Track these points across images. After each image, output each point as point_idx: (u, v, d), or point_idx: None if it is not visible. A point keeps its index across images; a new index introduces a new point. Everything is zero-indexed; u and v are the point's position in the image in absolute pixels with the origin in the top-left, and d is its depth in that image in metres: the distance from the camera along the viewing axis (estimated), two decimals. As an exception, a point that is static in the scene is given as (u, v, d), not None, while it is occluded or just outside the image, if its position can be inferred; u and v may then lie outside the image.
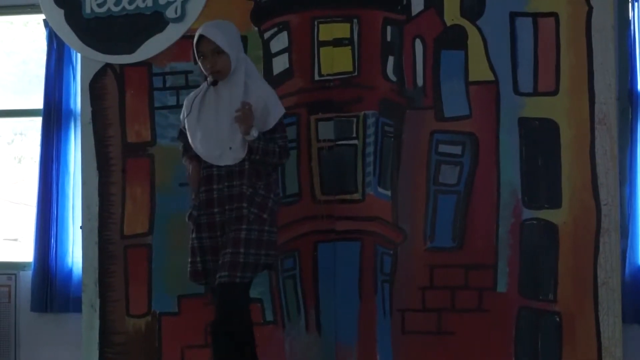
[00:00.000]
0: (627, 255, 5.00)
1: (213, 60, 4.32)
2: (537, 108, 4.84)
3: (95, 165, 5.16)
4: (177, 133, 4.57)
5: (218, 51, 4.31)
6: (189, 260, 4.34)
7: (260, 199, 4.30)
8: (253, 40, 5.11)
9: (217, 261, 4.27)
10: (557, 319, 4.76)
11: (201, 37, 4.31)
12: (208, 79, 4.33)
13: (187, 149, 4.43)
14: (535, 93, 4.85)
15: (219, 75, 4.34)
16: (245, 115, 4.24)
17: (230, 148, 4.30)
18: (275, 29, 5.10)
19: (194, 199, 4.37)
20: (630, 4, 5.08)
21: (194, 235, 4.33)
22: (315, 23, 5.05)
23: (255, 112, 4.26)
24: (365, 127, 4.97)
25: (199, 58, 4.32)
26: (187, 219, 4.35)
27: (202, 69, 4.33)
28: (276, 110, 4.39)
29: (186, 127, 4.40)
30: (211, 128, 4.31)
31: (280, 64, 5.09)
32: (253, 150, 4.27)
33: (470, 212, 4.88)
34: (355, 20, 5.01)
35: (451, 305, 4.87)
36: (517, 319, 4.79)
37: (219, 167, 4.31)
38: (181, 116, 4.47)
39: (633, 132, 5.05)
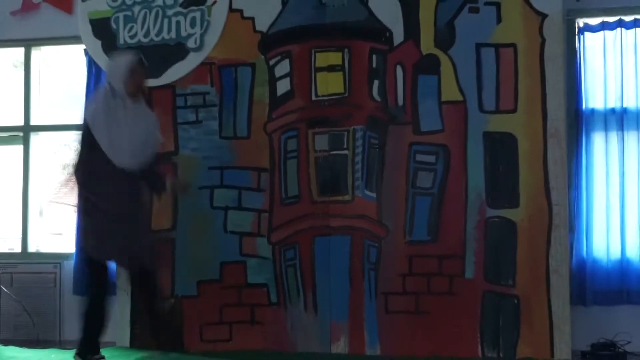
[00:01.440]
0: (574, 247, 5.12)
1: (141, 79, 4.59)
2: (499, 124, 5.01)
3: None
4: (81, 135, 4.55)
5: (145, 75, 4.60)
6: (93, 246, 4.52)
7: None
8: (260, 66, 5.31)
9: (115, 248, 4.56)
10: (516, 301, 4.92)
11: (141, 60, 4.60)
12: (118, 93, 4.49)
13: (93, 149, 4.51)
14: (497, 111, 5.02)
15: (139, 93, 4.61)
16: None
17: (137, 156, 4.55)
18: (279, 57, 5.29)
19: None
20: (576, 37, 5.27)
21: (105, 227, 4.50)
22: (313, 52, 5.24)
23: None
24: (354, 139, 5.15)
25: (130, 74, 4.50)
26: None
27: (130, 84, 4.50)
28: None
29: (101, 132, 4.49)
30: (124, 136, 4.52)
31: (283, 86, 5.27)
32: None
33: (443, 211, 5.04)
34: (346, 50, 5.20)
35: (427, 289, 5.03)
36: (482, 300, 4.96)
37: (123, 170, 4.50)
38: (92, 120, 4.51)
39: (579, 144, 5.19)
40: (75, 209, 4.62)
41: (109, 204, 4.52)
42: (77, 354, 4.67)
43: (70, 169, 4.61)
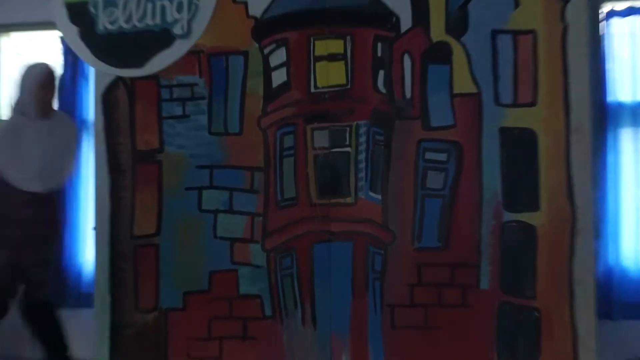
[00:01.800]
0: (600, 255, 5.04)
1: (51, 94, 4.36)
2: (516, 118, 4.82)
3: (107, 170, 5.13)
4: None
5: (55, 88, 4.38)
6: None
7: None
8: (254, 56, 5.11)
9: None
10: (536, 314, 4.73)
11: (51, 72, 4.33)
12: (27, 112, 4.31)
13: None
14: (515, 104, 4.83)
15: (49, 110, 4.38)
16: None
17: (44, 178, 4.37)
18: (275, 45, 5.10)
19: None
20: (602, 23, 5.18)
21: None
22: (312, 40, 5.05)
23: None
24: (357, 136, 4.98)
25: (35, 89, 4.40)
26: None
27: (35, 100, 4.35)
28: None
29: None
30: (32, 157, 4.31)
31: (278, 77, 5.09)
32: None
33: (455, 214, 4.85)
34: (348, 37, 5.01)
35: (437, 301, 4.85)
36: (499, 314, 4.77)
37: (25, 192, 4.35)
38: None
39: (605, 140, 5.10)
40: None
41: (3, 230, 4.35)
42: None
43: None
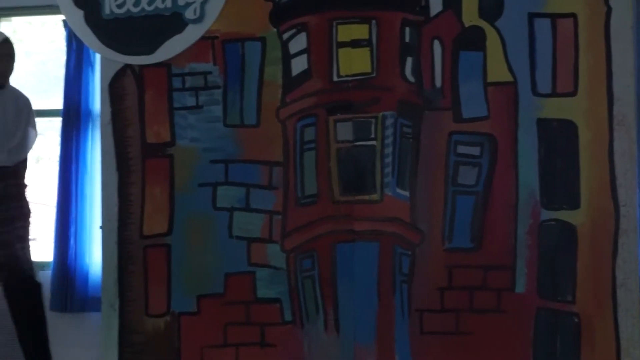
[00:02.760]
0: None
1: (9, 63, 4.28)
2: (555, 109, 4.73)
3: (114, 165, 5.04)
4: None
5: (11, 57, 4.28)
6: None
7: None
8: (271, 41, 5.01)
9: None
10: (576, 320, 4.64)
11: (4, 39, 4.26)
12: None
13: None
14: (554, 94, 4.73)
15: (5, 80, 4.30)
16: None
17: (8, 150, 4.29)
18: (294, 30, 4.99)
19: None
20: None
21: None
22: (334, 24, 4.94)
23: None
24: (383, 128, 4.87)
25: None
26: None
27: None
28: None
29: None
30: None
31: (299, 65, 4.98)
32: None
33: (489, 213, 4.76)
34: (373, 22, 4.90)
35: (469, 306, 4.76)
36: (536, 319, 4.68)
37: None
38: None
39: None
40: None
41: None
42: None
43: None
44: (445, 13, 4.84)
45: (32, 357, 4.38)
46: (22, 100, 4.37)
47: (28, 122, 4.35)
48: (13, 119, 4.24)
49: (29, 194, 4.52)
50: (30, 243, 4.54)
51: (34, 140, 4.41)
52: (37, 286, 4.61)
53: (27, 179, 4.48)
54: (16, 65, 6.06)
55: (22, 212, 4.35)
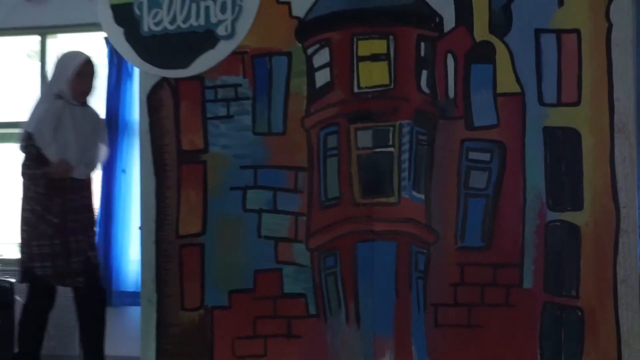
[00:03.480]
0: None
1: (92, 82, 4.39)
2: (560, 118, 4.81)
3: (152, 171, 5.16)
4: (24, 145, 4.40)
5: (95, 76, 4.40)
6: (52, 263, 4.36)
7: None
8: (297, 56, 5.14)
9: (69, 264, 4.30)
10: (579, 314, 4.72)
11: (88, 60, 4.35)
12: (65, 97, 4.32)
13: (38, 160, 4.38)
14: (559, 103, 4.82)
15: (88, 97, 4.42)
16: None
17: (86, 164, 4.37)
18: (318, 45, 5.11)
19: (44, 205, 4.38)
20: None
21: (56, 241, 4.38)
22: (355, 39, 5.05)
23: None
24: (400, 135, 4.97)
25: (75, 77, 4.35)
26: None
27: (74, 87, 4.36)
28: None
29: (46, 140, 4.35)
30: (73, 143, 4.33)
31: (322, 77, 5.10)
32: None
33: (498, 214, 4.86)
34: (391, 37, 5.01)
35: (480, 301, 4.85)
36: (542, 313, 4.77)
37: (72, 178, 4.33)
38: (35, 129, 4.38)
39: None
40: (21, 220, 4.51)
41: (58, 216, 4.41)
42: None
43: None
44: (458, 29, 4.96)
45: (90, 354, 4.45)
46: (97, 118, 4.43)
47: (102, 138, 4.41)
48: (90, 135, 4.29)
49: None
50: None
51: (105, 156, 4.47)
52: (104, 292, 4.64)
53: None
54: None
55: (92, 222, 4.44)
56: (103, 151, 4.49)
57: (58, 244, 4.27)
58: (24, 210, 4.34)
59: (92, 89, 4.41)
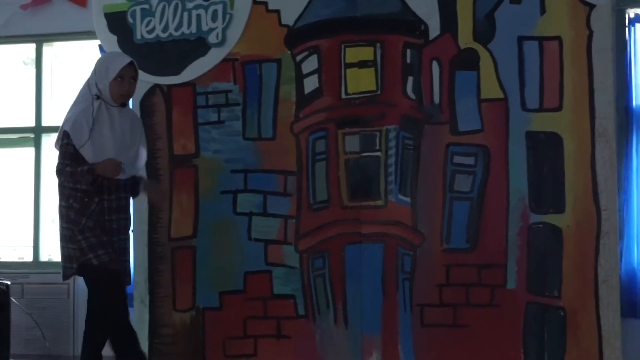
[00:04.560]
0: (624, 256, 5.02)
1: (132, 85, 4.44)
2: (542, 123, 4.89)
3: (145, 175, 5.11)
4: (62, 144, 4.37)
5: (135, 79, 4.45)
6: (103, 251, 4.32)
7: None
8: (286, 63, 5.22)
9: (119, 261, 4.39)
10: (562, 313, 4.80)
11: (129, 62, 4.40)
12: (104, 98, 4.35)
13: (75, 159, 4.34)
14: (541, 109, 4.91)
15: (127, 100, 4.48)
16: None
17: (124, 165, 4.41)
18: (307, 53, 5.19)
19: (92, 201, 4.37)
20: (627, 28, 5.16)
21: (103, 238, 4.35)
22: (342, 47, 5.14)
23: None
24: (387, 140, 5.06)
25: (114, 79, 4.35)
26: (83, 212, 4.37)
27: (113, 89, 4.34)
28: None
29: (87, 141, 4.31)
30: (110, 144, 4.36)
31: (311, 83, 5.18)
32: None
33: (483, 216, 4.93)
34: (378, 44, 5.10)
35: (465, 301, 4.93)
36: (525, 313, 4.84)
37: (116, 179, 4.39)
38: (72, 128, 4.34)
39: (629, 144, 5.11)
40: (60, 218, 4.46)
41: (95, 215, 4.39)
42: None
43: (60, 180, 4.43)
44: (443, 37, 5.05)
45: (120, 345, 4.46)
46: (136, 121, 4.41)
47: (141, 141, 4.41)
48: (128, 136, 4.28)
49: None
50: None
51: (145, 159, 4.47)
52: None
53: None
54: (58, 84, 6.25)
55: (128, 224, 4.46)
56: (143, 154, 4.50)
57: (105, 239, 4.30)
58: (61, 207, 4.36)
59: (131, 92, 4.42)
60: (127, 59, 4.45)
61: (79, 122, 4.36)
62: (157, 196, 4.49)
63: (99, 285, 4.40)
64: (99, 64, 4.52)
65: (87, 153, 4.34)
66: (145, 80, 5.35)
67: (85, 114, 4.38)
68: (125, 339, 4.50)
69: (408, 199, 5.04)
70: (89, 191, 4.34)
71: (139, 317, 5.31)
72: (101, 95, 4.41)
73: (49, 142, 6.02)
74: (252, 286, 5.20)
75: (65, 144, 4.36)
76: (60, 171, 4.37)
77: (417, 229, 5.02)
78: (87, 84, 4.47)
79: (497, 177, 4.95)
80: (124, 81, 4.41)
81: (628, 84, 5.15)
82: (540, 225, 4.88)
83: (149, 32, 5.42)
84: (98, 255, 4.33)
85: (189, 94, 5.35)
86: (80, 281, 5.49)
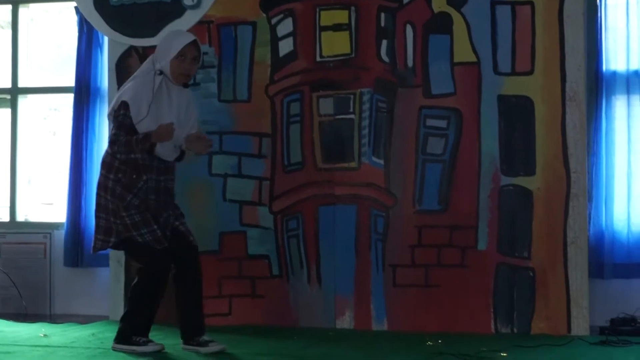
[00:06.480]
0: (592, 217, 5.07)
1: (193, 65, 4.39)
2: (514, 86, 4.93)
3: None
4: (119, 114, 4.27)
5: (197, 59, 4.42)
6: (147, 229, 4.25)
7: None
8: (262, 26, 5.22)
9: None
10: (531, 274, 4.86)
11: (193, 42, 4.38)
12: (166, 74, 4.24)
13: (130, 132, 4.27)
14: (513, 73, 4.94)
15: (188, 79, 4.45)
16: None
17: (175, 146, 4.39)
18: (282, 15, 5.20)
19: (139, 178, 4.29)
20: None
21: (147, 215, 4.29)
22: (317, 10, 5.15)
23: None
24: (361, 103, 5.09)
25: (177, 57, 4.25)
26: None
27: (174, 67, 4.26)
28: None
29: (145, 117, 4.24)
30: (166, 122, 4.30)
31: (285, 46, 5.19)
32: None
33: (454, 179, 4.98)
34: (353, 8, 5.12)
35: (437, 262, 4.98)
36: (496, 273, 4.90)
37: (164, 160, 4.35)
38: (131, 99, 4.26)
39: (599, 108, 5.13)
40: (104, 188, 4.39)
41: (141, 193, 4.35)
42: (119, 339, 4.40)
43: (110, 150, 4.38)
44: (417, 0, 5.05)
45: (187, 313, 4.44)
46: (193, 103, 4.35)
47: (193, 125, 4.38)
48: (183, 118, 4.20)
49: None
50: None
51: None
52: (201, 274, 4.55)
53: None
54: (35, 47, 6.19)
55: (173, 204, 4.38)
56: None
57: (149, 216, 4.27)
58: (107, 179, 4.28)
59: (192, 72, 4.35)
60: (190, 37, 4.36)
61: (139, 96, 4.27)
62: (203, 147, 4.42)
63: (143, 261, 4.41)
64: (163, 40, 4.45)
65: (143, 127, 4.28)
66: (121, 41, 5.36)
67: (146, 89, 4.29)
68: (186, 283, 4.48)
69: (381, 161, 5.08)
70: (138, 167, 4.30)
71: (114, 276, 5.33)
72: (164, 71, 4.34)
73: (25, 103, 6.14)
74: (227, 247, 5.23)
75: (123, 115, 4.25)
76: (114, 142, 4.30)
77: (390, 190, 5.06)
78: (152, 59, 4.40)
79: (469, 140, 4.99)
80: (185, 60, 4.30)
81: (598, 49, 5.17)
82: (511, 188, 4.93)
83: (125, -7, 5.38)
84: (142, 234, 4.30)
85: (165, 56, 5.33)
86: (57, 240, 5.80)
